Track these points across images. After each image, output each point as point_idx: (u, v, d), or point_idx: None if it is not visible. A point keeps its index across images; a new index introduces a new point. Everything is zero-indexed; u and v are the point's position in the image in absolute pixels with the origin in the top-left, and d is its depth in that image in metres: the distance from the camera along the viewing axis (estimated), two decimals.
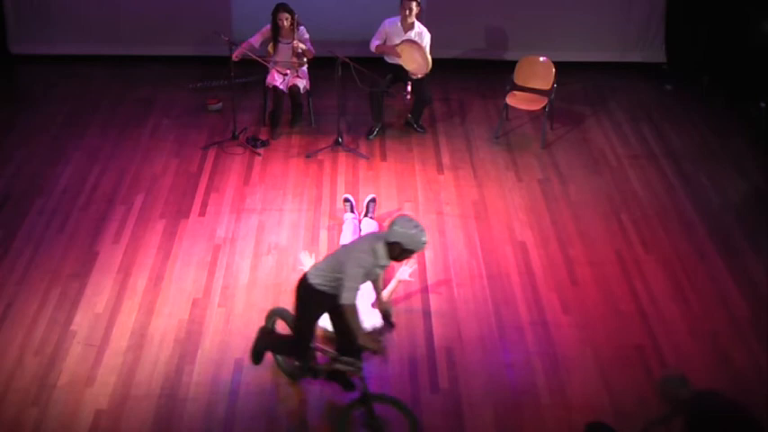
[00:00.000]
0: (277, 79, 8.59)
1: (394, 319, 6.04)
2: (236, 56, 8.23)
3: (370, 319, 6.13)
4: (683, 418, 4.90)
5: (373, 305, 6.28)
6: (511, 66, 8.96)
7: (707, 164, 8.35)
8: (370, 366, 5.95)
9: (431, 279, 6.78)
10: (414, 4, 8.28)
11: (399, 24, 8.43)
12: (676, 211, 7.68)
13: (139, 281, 6.67)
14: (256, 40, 8.46)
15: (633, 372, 5.95)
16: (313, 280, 5.27)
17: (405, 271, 6.43)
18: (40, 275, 6.69)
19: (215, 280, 6.71)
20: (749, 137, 8.81)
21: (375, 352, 5.34)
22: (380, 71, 8.55)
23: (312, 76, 8.78)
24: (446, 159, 8.36)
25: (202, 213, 7.48)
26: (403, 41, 8.35)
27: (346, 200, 7.37)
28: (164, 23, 10.01)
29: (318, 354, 5.68)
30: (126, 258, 6.90)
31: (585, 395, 5.78)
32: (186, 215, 7.44)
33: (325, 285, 5.22)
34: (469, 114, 9.24)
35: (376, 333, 6.14)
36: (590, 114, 9.30)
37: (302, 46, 8.39)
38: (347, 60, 8.01)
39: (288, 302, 6.47)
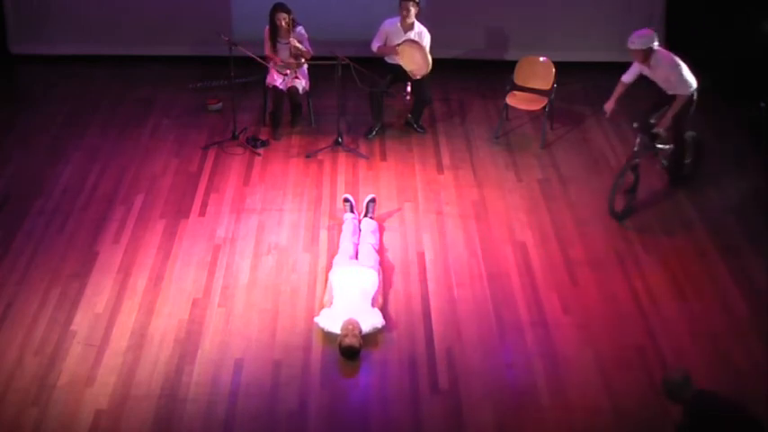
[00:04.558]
0: (277, 79, 8.59)
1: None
2: (273, 67, 8.51)
3: (370, 319, 6.13)
4: (683, 417, 4.91)
5: (373, 305, 6.29)
6: (511, 66, 8.96)
7: (707, 164, 8.34)
8: (370, 367, 5.97)
9: (431, 279, 6.77)
10: (411, 5, 8.28)
11: (399, 25, 8.43)
12: (676, 210, 7.68)
13: (139, 281, 6.67)
14: (268, 49, 8.49)
15: (633, 372, 5.95)
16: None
17: None
18: (40, 275, 6.69)
19: (215, 280, 6.71)
20: (749, 137, 8.80)
21: None
22: (380, 71, 8.56)
23: (312, 76, 8.77)
24: (446, 159, 8.36)
25: (202, 213, 7.48)
26: (404, 41, 8.34)
27: (346, 200, 7.37)
28: (164, 23, 10.01)
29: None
30: (126, 258, 6.90)
31: (585, 395, 5.77)
32: (186, 215, 7.45)
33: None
34: (469, 114, 9.24)
35: (376, 333, 6.15)
36: (590, 114, 9.29)
37: (298, 45, 8.38)
38: (347, 60, 8.01)
39: (287, 303, 6.48)
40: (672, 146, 7.80)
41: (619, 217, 7.49)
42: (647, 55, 7.44)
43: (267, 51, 8.50)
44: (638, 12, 10.11)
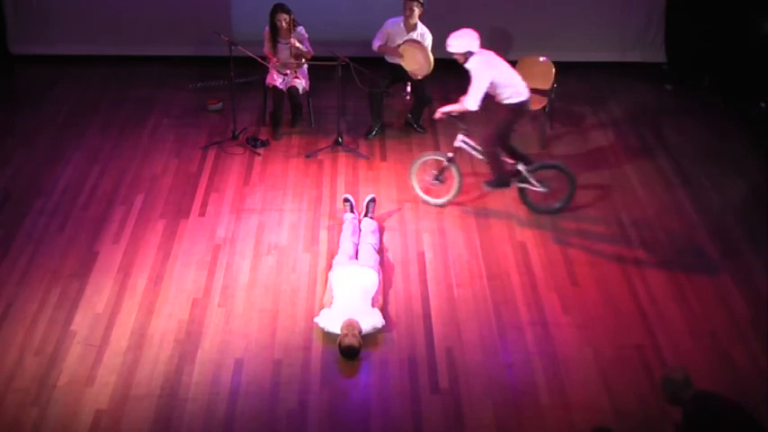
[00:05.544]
0: (277, 79, 8.59)
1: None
2: (272, 67, 8.46)
3: (370, 319, 6.13)
4: (683, 417, 4.91)
5: (373, 305, 6.29)
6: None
7: (707, 164, 8.35)
8: (370, 367, 5.97)
9: (431, 279, 6.78)
10: (415, 5, 8.28)
11: (402, 25, 8.42)
12: (676, 211, 7.68)
13: (139, 281, 6.67)
14: (267, 48, 8.48)
15: (633, 372, 5.96)
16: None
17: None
18: (40, 275, 6.70)
19: (215, 280, 6.72)
20: (749, 137, 8.81)
21: None
22: (380, 71, 8.56)
23: (312, 76, 8.78)
24: None
25: (202, 213, 7.48)
26: (405, 41, 8.34)
27: (346, 200, 7.37)
28: (164, 23, 10.02)
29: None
30: (126, 258, 6.90)
31: (585, 395, 5.78)
32: (186, 215, 7.45)
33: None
34: (469, 114, 9.21)
35: (376, 333, 6.15)
36: (590, 114, 9.30)
37: (299, 45, 8.38)
38: (347, 60, 8.01)
39: (287, 303, 6.49)
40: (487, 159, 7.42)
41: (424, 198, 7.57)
42: (465, 58, 6.96)
43: (266, 51, 8.50)
44: (638, 12, 10.13)
